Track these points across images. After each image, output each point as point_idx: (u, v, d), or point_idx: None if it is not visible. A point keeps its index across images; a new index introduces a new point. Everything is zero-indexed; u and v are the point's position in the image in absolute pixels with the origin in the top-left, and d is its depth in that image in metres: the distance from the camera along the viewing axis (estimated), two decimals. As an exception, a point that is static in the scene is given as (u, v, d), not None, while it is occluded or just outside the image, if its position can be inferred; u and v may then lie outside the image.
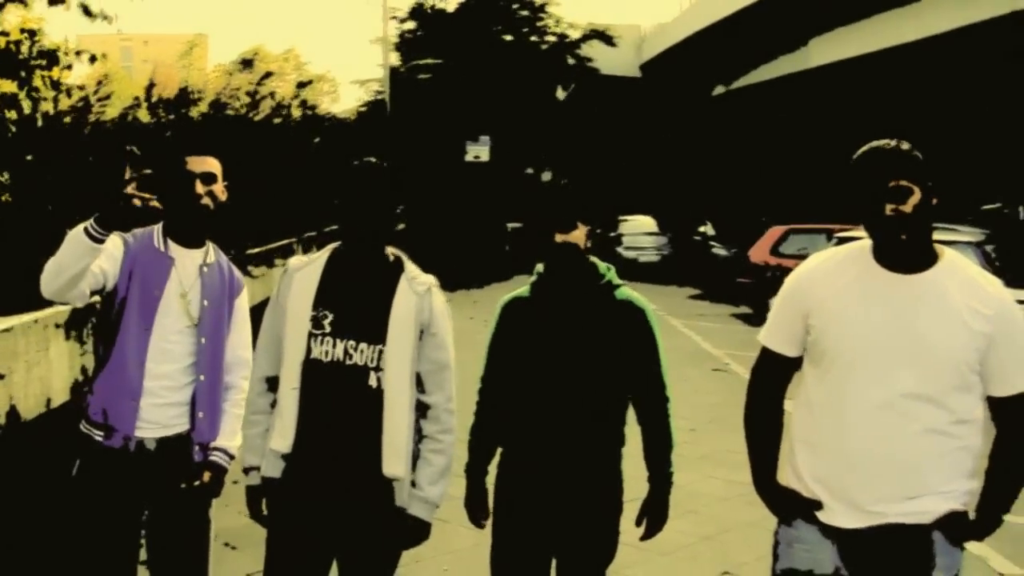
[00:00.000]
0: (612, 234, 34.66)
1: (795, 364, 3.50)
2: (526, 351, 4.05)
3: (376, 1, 57.84)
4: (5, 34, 5.48)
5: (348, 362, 3.77)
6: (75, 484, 4.10)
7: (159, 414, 4.08)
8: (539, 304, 4.10)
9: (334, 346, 3.78)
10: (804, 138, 37.99)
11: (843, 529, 3.30)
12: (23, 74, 5.56)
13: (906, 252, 3.20)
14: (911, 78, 30.63)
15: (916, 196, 3.13)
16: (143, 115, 11.14)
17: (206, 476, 4.19)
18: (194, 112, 12.56)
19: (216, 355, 4.24)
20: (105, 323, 4.08)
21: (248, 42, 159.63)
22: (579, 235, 3.97)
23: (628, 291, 4.09)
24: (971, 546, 6.60)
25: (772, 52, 37.59)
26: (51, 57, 5.68)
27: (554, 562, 4.13)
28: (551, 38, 38.45)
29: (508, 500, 4.13)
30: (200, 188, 4.11)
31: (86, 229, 3.70)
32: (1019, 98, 25.96)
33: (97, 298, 4.07)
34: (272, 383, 3.91)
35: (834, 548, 3.33)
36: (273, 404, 3.90)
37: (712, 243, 31.09)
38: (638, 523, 4.09)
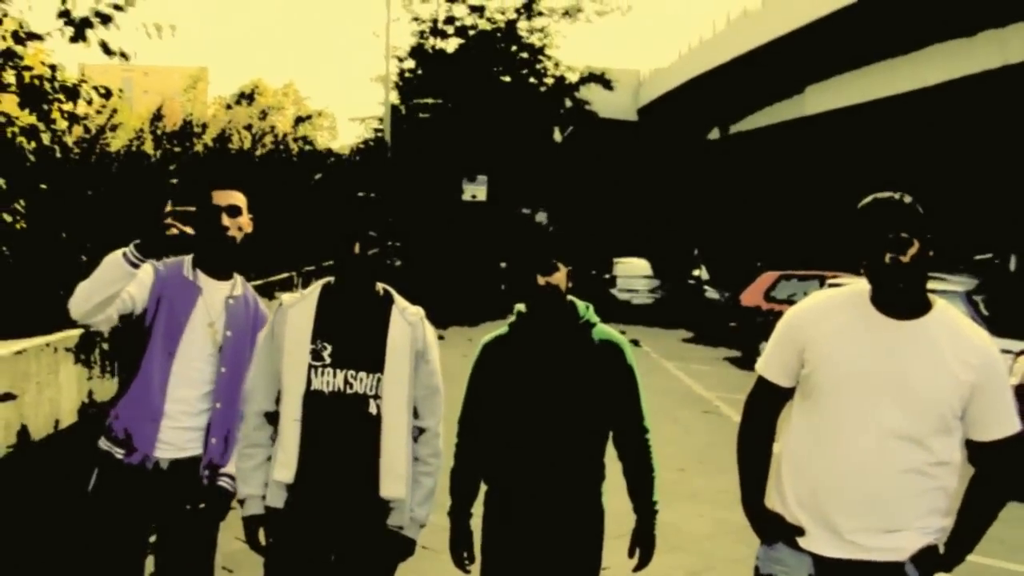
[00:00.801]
0: (606, 276, 34.86)
1: (788, 394, 3.70)
2: (507, 390, 4.16)
3: (375, 39, 58.28)
4: (29, 69, 5.69)
5: (349, 391, 3.94)
6: (91, 496, 4.25)
7: (175, 436, 4.24)
8: (519, 344, 4.21)
9: (334, 376, 3.94)
10: (799, 185, 38.25)
11: (821, 556, 3.48)
12: (45, 107, 5.79)
13: (902, 299, 3.40)
14: (904, 128, 30.89)
15: (915, 248, 3.33)
16: (148, 147, 11.29)
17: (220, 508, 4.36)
18: (198, 145, 12.75)
19: (234, 384, 4.34)
20: (130, 347, 4.25)
21: (247, 75, 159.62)
22: (560, 277, 4.10)
23: (606, 329, 4.26)
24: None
25: (768, 99, 37.85)
26: (72, 92, 5.89)
27: None
28: (549, 80, 38.64)
29: (494, 537, 4.24)
30: (226, 220, 4.28)
31: (125, 254, 3.91)
32: (1010, 150, 26.22)
33: (116, 323, 4.21)
34: (270, 417, 4.04)
35: (812, 571, 3.51)
36: (271, 437, 4.03)
37: (706, 287, 31.29)
38: (630, 555, 4.25)
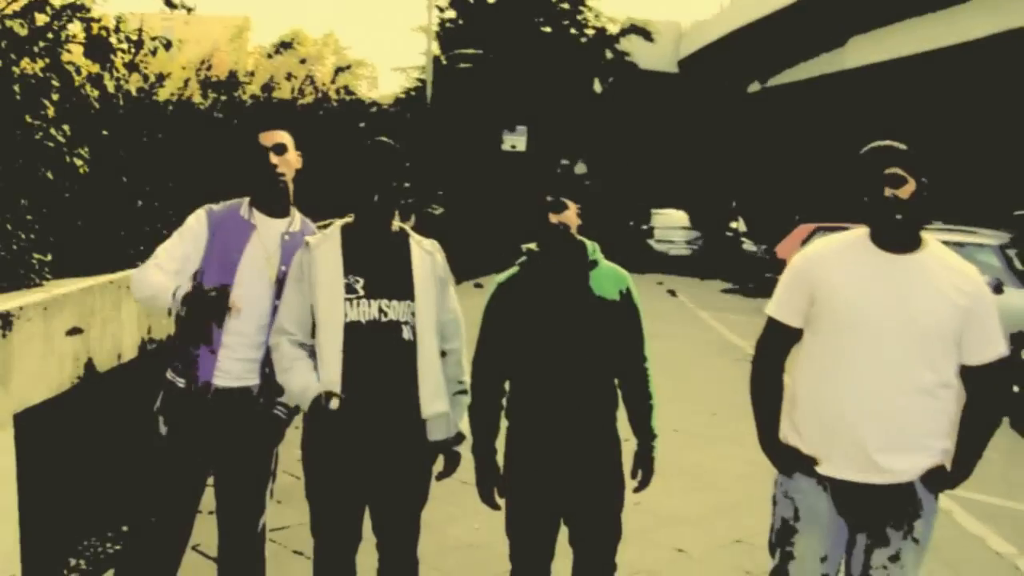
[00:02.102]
0: (644, 227, 34.94)
1: (797, 335, 3.94)
2: (521, 326, 4.39)
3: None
4: (97, 20, 5.97)
5: (384, 320, 4.22)
6: (156, 415, 4.54)
7: (233, 366, 4.46)
8: (531, 281, 4.44)
9: (369, 307, 4.21)
10: (838, 138, 38.03)
11: (837, 480, 3.76)
12: (113, 58, 6.07)
13: (900, 234, 3.70)
14: (946, 83, 30.67)
15: (911, 185, 3.65)
16: (195, 96, 11.54)
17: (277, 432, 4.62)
18: (245, 95, 12.98)
19: None
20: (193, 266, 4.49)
21: (286, 24, 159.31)
22: (570, 215, 4.35)
23: (611, 264, 4.50)
24: (969, 526, 7.07)
25: (809, 52, 37.60)
26: (137, 43, 6.16)
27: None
28: (590, 31, 38.53)
29: (518, 467, 4.47)
30: (274, 159, 4.47)
31: (169, 309, 4.31)
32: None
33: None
34: (303, 345, 4.28)
35: (828, 496, 3.80)
36: (310, 354, 4.27)
37: (743, 239, 31.38)
38: (633, 476, 4.51)
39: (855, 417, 3.69)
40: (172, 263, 4.46)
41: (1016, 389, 11.11)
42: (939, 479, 3.76)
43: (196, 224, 4.51)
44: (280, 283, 4.49)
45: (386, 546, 4.45)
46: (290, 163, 4.56)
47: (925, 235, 3.78)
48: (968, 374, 3.77)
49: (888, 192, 3.65)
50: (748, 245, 30.39)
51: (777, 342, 3.99)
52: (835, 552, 3.87)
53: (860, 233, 3.83)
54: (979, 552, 7.00)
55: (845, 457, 3.74)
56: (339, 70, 26.78)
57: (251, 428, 4.55)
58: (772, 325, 4.00)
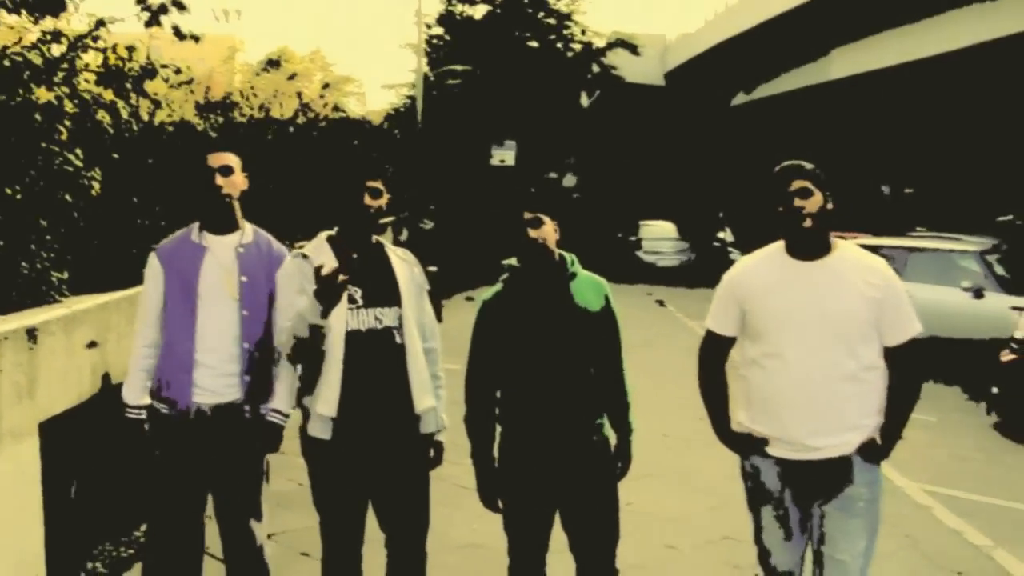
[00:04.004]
0: (633, 238, 35.14)
1: (731, 342, 4.51)
2: (509, 339, 4.65)
3: (402, 6, 58.19)
4: (114, 51, 6.25)
5: (379, 326, 4.52)
6: (147, 447, 4.81)
7: (214, 383, 4.70)
8: (514, 296, 4.70)
9: (367, 315, 4.51)
10: (824, 148, 38.35)
11: (783, 459, 4.27)
12: (128, 86, 6.35)
13: (809, 242, 4.21)
14: (930, 92, 30.94)
15: (817, 197, 4.16)
16: (189, 116, 11.75)
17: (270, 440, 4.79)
18: (238, 116, 13.20)
19: (259, 325, 4.76)
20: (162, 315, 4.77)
21: (273, 42, 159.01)
22: (548, 231, 4.62)
23: (589, 274, 4.79)
24: (948, 521, 7.38)
25: (794, 62, 37.76)
26: (151, 72, 6.44)
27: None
28: (577, 46, 38.71)
29: (513, 469, 4.74)
30: (219, 180, 4.71)
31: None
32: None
33: None
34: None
35: (778, 473, 4.31)
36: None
37: (731, 249, 31.63)
38: (612, 468, 4.81)
39: (792, 407, 4.20)
40: (152, 331, 4.80)
41: (995, 390, 11.41)
42: (873, 452, 4.22)
43: (149, 272, 4.81)
44: (246, 293, 4.73)
45: (396, 541, 4.71)
46: (235, 184, 4.79)
47: (836, 240, 4.29)
48: (889, 354, 4.22)
49: (797, 203, 4.13)
50: (735, 255, 30.62)
51: (715, 349, 4.56)
52: (795, 517, 4.34)
53: (776, 247, 4.36)
54: (957, 545, 7.29)
55: (787, 441, 4.23)
56: (326, 86, 26.97)
57: (241, 441, 4.77)
58: (709, 336, 4.58)
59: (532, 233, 4.58)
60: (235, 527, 4.89)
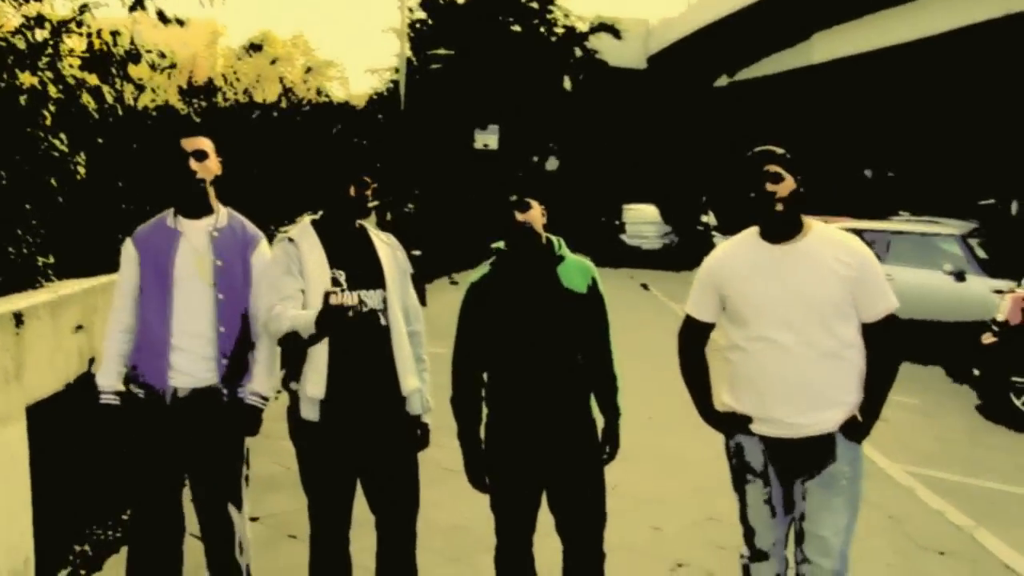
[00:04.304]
0: (616, 222, 35.20)
1: (710, 327, 4.59)
2: (496, 321, 4.70)
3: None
4: (99, 35, 6.25)
5: (364, 309, 4.49)
6: (125, 433, 4.79)
7: (192, 367, 4.69)
8: (502, 278, 4.75)
9: (352, 298, 4.41)
10: (805, 132, 38.44)
11: (768, 437, 4.33)
12: (113, 71, 6.34)
13: (782, 226, 4.28)
14: (910, 76, 31.04)
15: (788, 181, 4.22)
16: (173, 101, 11.72)
17: (251, 421, 4.80)
18: (221, 101, 13.18)
19: (235, 308, 4.76)
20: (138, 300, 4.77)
21: (255, 25, 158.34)
22: (535, 214, 4.66)
23: (577, 257, 4.83)
24: (931, 501, 7.44)
25: (776, 46, 37.85)
26: (135, 57, 6.43)
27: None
28: (559, 30, 38.71)
29: (500, 450, 4.79)
30: (193, 164, 4.70)
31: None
32: (1013, 98, 26.48)
33: None
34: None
35: (763, 450, 4.39)
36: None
37: (714, 232, 31.70)
38: (600, 450, 4.85)
39: (775, 388, 4.26)
40: (127, 316, 4.80)
41: (976, 372, 11.50)
42: (854, 429, 4.27)
43: (125, 257, 4.80)
44: (221, 277, 4.73)
45: (386, 522, 4.74)
46: (209, 169, 4.77)
47: (809, 222, 4.34)
48: (867, 331, 4.29)
49: (769, 187, 4.21)
50: (719, 238, 30.69)
51: (695, 334, 4.65)
52: (778, 494, 4.41)
53: (751, 232, 4.43)
54: (939, 525, 7.36)
55: (770, 420, 4.30)
56: (309, 70, 26.94)
57: (219, 424, 4.77)
58: (689, 321, 4.66)
59: (520, 216, 4.62)
60: (214, 513, 4.90)
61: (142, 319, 4.74)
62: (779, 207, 4.20)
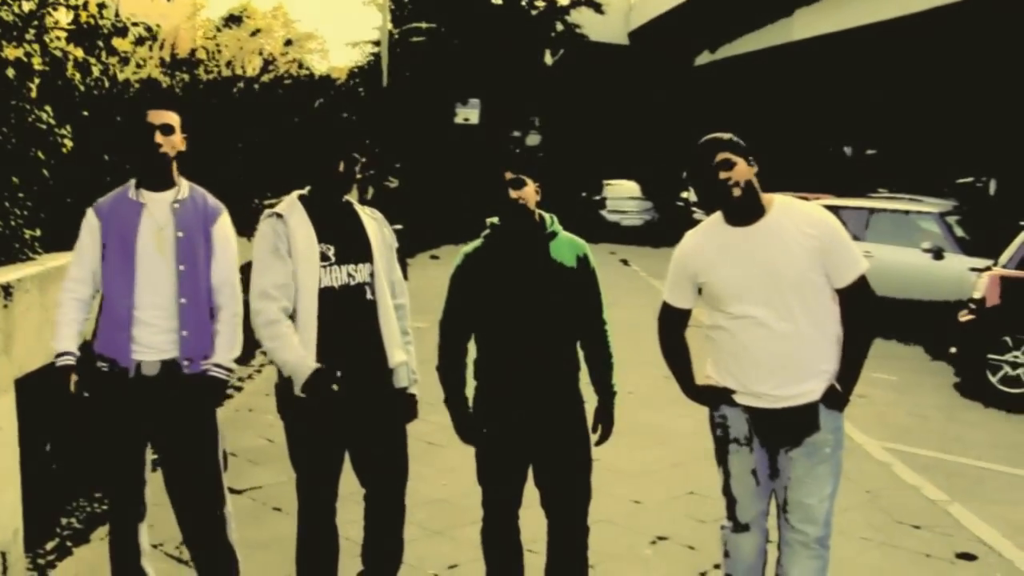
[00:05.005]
0: (597, 197, 35.22)
1: (687, 313, 4.68)
2: (486, 294, 4.72)
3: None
4: (85, 8, 6.25)
5: (352, 283, 4.63)
6: (89, 407, 4.76)
7: (156, 340, 4.68)
8: (495, 252, 4.77)
9: (340, 272, 4.61)
10: (787, 109, 38.50)
11: (753, 408, 4.42)
12: (100, 44, 6.35)
13: (743, 209, 4.35)
14: (890, 54, 31.11)
15: (740, 166, 4.29)
16: (156, 75, 11.68)
17: (212, 386, 4.78)
18: (203, 74, 13.12)
19: (196, 279, 4.76)
20: (100, 271, 4.76)
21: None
22: (529, 192, 4.67)
23: (569, 235, 4.87)
24: (907, 477, 7.54)
25: (758, 22, 37.82)
26: (122, 31, 6.43)
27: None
28: (540, 3, 38.67)
29: (487, 422, 4.82)
30: (159, 138, 4.67)
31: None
32: (992, 76, 26.59)
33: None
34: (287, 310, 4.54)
35: (747, 420, 4.47)
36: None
37: (694, 208, 31.77)
38: (593, 430, 4.89)
39: (758, 363, 4.35)
40: (84, 287, 4.79)
41: (953, 350, 11.62)
42: (835, 398, 4.36)
43: (86, 228, 4.78)
44: (183, 248, 4.72)
45: (376, 493, 4.82)
46: (174, 144, 4.76)
47: (770, 198, 4.42)
48: (841, 296, 4.36)
49: (723, 175, 4.27)
50: (699, 215, 30.73)
51: (673, 320, 4.72)
52: (762, 465, 4.50)
53: (717, 217, 4.50)
54: (915, 500, 7.47)
55: (756, 393, 4.38)
56: (289, 43, 26.78)
57: (183, 397, 4.75)
58: (666, 307, 4.75)
59: (513, 193, 4.64)
60: (187, 494, 4.91)
61: (106, 292, 4.73)
62: (736, 192, 4.27)
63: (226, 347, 4.85)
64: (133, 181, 4.83)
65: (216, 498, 4.93)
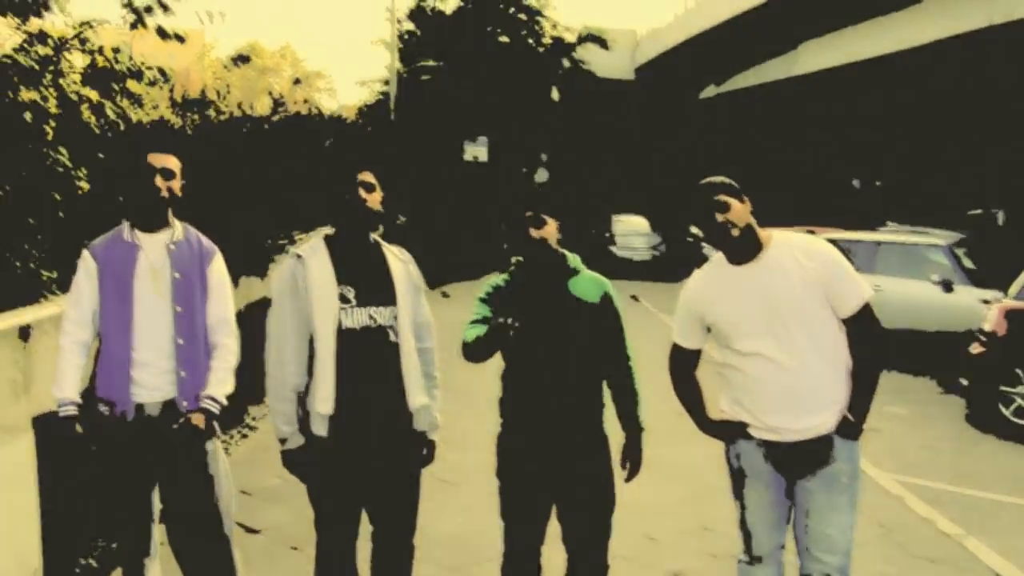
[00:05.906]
0: (606, 234, 35.20)
1: (698, 353, 4.74)
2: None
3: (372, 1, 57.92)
4: (101, 53, 6.33)
5: (373, 325, 4.59)
6: (93, 451, 4.80)
7: (157, 381, 4.71)
8: (519, 285, 4.79)
9: (361, 314, 4.57)
10: (793, 141, 38.60)
11: (768, 441, 4.47)
12: (116, 87, 6.43)
13: (741, 247, 4.42)
14: (895, 86, 31.22)
15: (735, 207, 4.37)
16: (168, 115, 11.75)
17: (197, 419, 4.73)
18: (214, 114, 13.17)
19: (192, 320, 4.78)
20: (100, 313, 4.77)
21: (242, 36, 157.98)
22: (550, 230, 4.70)
23: (592, 273, 4.89)
24: (920, 510, 7.53)
25: (763, 56, 37.96)
26: (137, 74, 6.52)
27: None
28: (547, 41, 38.80)
29: (511, 457, 4.84)
30: (159, 181, 4.71)
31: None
32: (998, 108, 26.65)
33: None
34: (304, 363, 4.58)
35: (763, 453, 4.51)
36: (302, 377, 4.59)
37: (703, 243, 31.77)
38: (622, 467, 4.90)
39: (772, 398, 4.40)
40: (84, 330, 4.78)
41: (964, 382, 11.62)
42: (849, 428, 4.40)
43: (84, 271, 4.77)
44: (179, 290, 4.76)
45: (383, 536, 4.80)
46: (173, 190, 4.78)
47: (768, 234, 4.49)
48: (847, 325, 4.42)
49: (719, 217, 4.35)
50: (708, 249, 30.68)
51: (683, 361, 4.80)
52: (779, 497, 4.53)
53: (719, 258, 4.57)
54: (929, 533, 7.46)
55: (770, 427, 4.44)
56: (297, 81, 26.91)
57: (181, 436, 4.75)
58: (676, 348, 4.80)
59: (534, 233, 4.67)
60: (187, 533, 4.93)
61: (104, 334, 4.75)
62: (734, 232, 4.35)
63: (216, 382, 4.86)
64: (127, 223, 4.85)
65: (219, 537, 4.95)
